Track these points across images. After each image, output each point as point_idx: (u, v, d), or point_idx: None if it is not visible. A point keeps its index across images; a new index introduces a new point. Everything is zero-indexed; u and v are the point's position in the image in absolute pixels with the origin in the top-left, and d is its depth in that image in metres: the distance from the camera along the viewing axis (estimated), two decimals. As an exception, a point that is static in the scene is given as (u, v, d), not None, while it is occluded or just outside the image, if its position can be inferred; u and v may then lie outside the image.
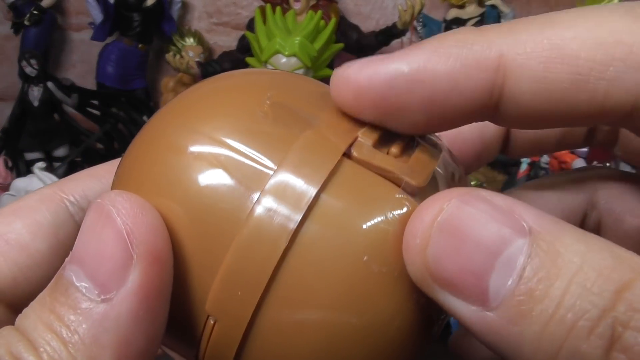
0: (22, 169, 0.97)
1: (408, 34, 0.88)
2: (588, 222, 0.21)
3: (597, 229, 0.21)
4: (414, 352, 0.16)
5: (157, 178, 0.15)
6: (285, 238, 0.13)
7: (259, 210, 0.14)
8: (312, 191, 0.14)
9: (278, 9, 0.85)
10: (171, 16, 1.05)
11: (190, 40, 1.05)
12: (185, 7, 1.09)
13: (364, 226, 0.14)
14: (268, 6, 0.85)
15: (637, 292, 0.11)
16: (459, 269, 0.12)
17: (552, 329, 0.12)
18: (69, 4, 1.11)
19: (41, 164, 0.74)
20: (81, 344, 0.13)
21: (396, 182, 0.15)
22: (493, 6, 0.95)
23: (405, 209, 0.14)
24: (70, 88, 0.98)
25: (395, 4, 1.03)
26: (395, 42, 0.90)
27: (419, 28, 0.90)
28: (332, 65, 0.92)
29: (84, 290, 0.13)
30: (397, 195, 0.14)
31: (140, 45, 1.04)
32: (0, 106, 1.15)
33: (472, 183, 0.79)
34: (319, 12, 0.85)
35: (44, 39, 1.06)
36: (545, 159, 0.73)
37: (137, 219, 0.14)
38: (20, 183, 0.72)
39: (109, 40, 1.05)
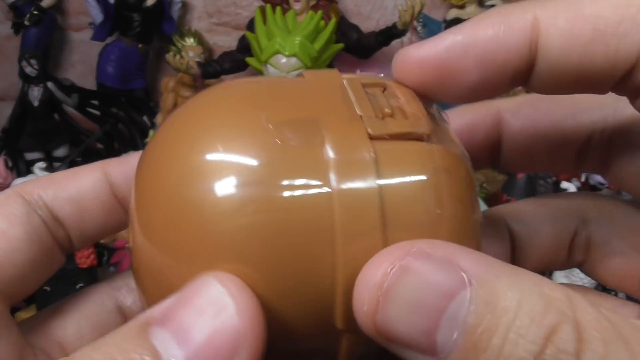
0: (22, 169, 0.97)
1: (408, 34, 0.88)
2: (578, 240, 0.22)
3: (587, 246, 0.22)
4: None
5: (223, 245, 0.14)
6: (379, 234, 0.15)
7: (340, 230, 0.15)
8: (374, 189, 0.15)
9: (278, 9, 0.85)
10: (171, 16, 1.05)
11: (190, 40, 1.05)
12: (185, 7, 1.09)
13: (422, 187, 0.16)
14: (268, 6, 0.85)
15: (563, 335, 0.12)
16: (407, 331, 0.13)
17: None
18: (69, 4, 1.11)
19: (41, 164, 0.74)
20: None
21: (415, 138, 0.16)
22: (493, 6, 0.95)
23: (436, 156, 0.16)
24: (70, 88, 0.98)
25: (395, 4, 1.03)
26: (396, 42, 0.90)
27: (419, 28, 0.90)
28: (332, 66, 0.92)
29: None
30: (425, 149, 0.16)
31: (140, 45, 1.04)
32: (0, 106, 1.15)
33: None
34: (319, 12, 0.85)
35: (44, 39, 1.06)
36: (545, 159, 0.73)
37: (254, 325, 0.13)
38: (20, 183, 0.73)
39: (109, 40, 1.05)
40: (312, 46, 0.82)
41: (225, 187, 0.15)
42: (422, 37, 0.92)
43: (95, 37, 1.03)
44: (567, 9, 0.16)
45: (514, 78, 0.17)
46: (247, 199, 0.14)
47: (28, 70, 0.94)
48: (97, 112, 1.03)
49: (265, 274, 0.14)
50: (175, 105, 1.03)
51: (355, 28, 0.93)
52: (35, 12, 1.03)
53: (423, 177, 0.16)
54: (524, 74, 0.17)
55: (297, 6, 0.91)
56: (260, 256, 0.14)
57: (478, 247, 0.16)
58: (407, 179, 0.15)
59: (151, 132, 0.85)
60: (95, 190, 0.20)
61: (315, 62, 0.83)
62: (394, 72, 0.18)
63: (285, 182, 0.15)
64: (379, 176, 0.15)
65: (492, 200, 0.76)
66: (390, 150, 0.16)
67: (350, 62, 0.99)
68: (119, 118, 1.02)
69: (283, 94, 0.17)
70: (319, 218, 0.14)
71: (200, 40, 1.06)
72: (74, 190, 0.20)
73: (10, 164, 0.86)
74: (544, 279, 0.14)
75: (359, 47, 0.92)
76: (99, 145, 1.02)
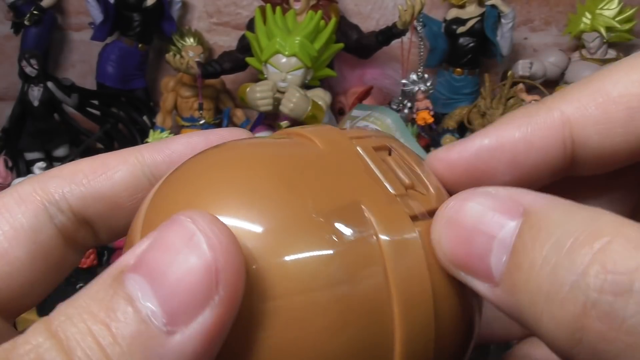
0: (22, 169, 0.97)
1: (408, 34, 0.88)
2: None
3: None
4: None
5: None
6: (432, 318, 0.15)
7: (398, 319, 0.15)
8: (425, 274, 0.15)
9: (278, 8, 0.85)
10: (171, 16, 1.05)
11: (190, 40, 1.05)
12: (185, 7, 1.09)
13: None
14: (268, 6, 0.85)
15: (611, 254, 0.12)
16: (466, 254, 0.15)
17: (534, 298, 0.13)
18: (69, 4, 1.12)
19: (41, 164, 0.74)
20: None
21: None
22: (493, 6, 0.95)
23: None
24: (70, 88, 0.98)
25: (395, 4, 1.03)
26: (396, 42, 0.90)
27: (419, 28, 0.90)
28: (332, 65, 0.92)
29: (148, 313, 0.12)
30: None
31: (140, 45, 1.04)
32: (0, 106, 1.15)
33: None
34: (319, 12, 0.85)
35: (44, 39, 1.06)
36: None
37: (229, 257, 0.13)
38: (20, 183, 0.72)
39: (109, 40, 1.05)
40: (312, 46, 0.82)
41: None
42: (422, 37, 0.92)
43: (95, 37, 1.03)
44: (593, 97, 0.16)
45: (553, 172, 0.18)
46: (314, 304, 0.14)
47: (28, 70, 0.94)
48: (97, 112, 1.03)
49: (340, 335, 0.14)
50: (175, 105, 1.03)
51: (355, 28, 0.93)
52: (35, 12, 1.03)
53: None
54: (563, 167, 0.17)
55: (297, 6, 0.91)
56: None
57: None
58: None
59: (151, 132, 0.85)
60: (129, 185, 0.18)
61: (315, 62, 0.83)
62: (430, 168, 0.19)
63: (347, 280, 0.14)
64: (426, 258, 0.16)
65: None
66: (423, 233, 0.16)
67: (351, 62, 0.99)
68: (119, 118, 1.02)
69: (309, 170, 0.16)
70: (379, 314, 0.14)
71: (200, 40, 1.06)
72: (106, 186, 0.18)
73: (10, 163, 0.86)
74: (599, 209, 0.13)
75: (359, 47, 0.92)
76: (99, 145, 1.02)
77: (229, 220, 0.14)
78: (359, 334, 0.14)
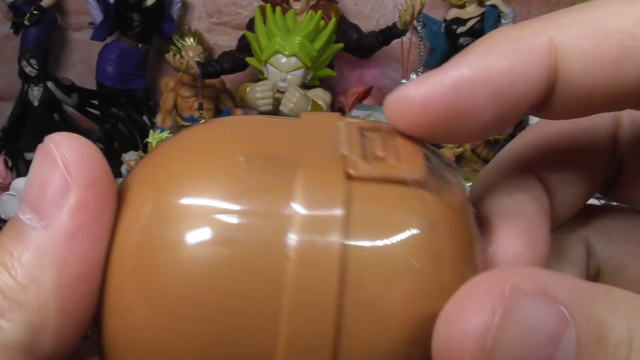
0: (22, 169, 0.97)
1: (408, 34, 0.88)
2: (589, 273, 0.19)
3: (597, 278, 0.19)
4: None
5: (166, 285, 0.13)
6: (334, 287, 0.13)
7: (291, 269, 0.13)
8: (337, 236, 0.13)
9: (278, 8, 0.85)
10: (171, 16, 1.05)
11: (190, 40, 1.05)
12: (185, 7, 1.09)
13: (400, 237, 0.14)
14: (268, 6, 0.85)
15: None
16: None
17: None
18: (69, 3, 1.11)
19: (41, 164, 0.73)
20: (23, 267, 0.14)
21: (401, 182, 0.14)
22: (493, 6, 0.95)
23: (423, 204, 0.14)
24: (70, 88, 0.98)
25: (395, 4, 1.03)
26: (396, 42, 0.90)
27: (419, 28, 0.90)
28: (332, 65, 0.92)
29: (27, 222, 0.14)
30: (412, 196, 0.14)
31: (140, 45, 1.04)
32: (0, 106, 1.15)
33: (471, 183, 0.79)
34: (319, 12, 0.85)
35: (44, 39, 1.06)
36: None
37: (73, 149, 0.15)
38: (20, 183, 0.72)
39: (109, 40, 1.05)
40: (312, 46, 0.82)
41: (182, 220, 0.14)
42: (422, 37, 0.92)
43: (95, 37, 1.03)
44: (585, 26, 0.14)
45: (529, 109, 0.15)
46: (202, 239, 0.13)
47: (28, 70, 0.94)
48: (97, 112, 1.03)
49: (204, 321, 0.13)
50: (175, 105, 1.03)
51: (355, 28, 0.93)
52: (35, 12, 1.03)
53: (404, 228, 0.14)
54: (540, 104, 0.15)
55: (297, 6, 0.91)
56: (207, 295, 0.13)
57: None
58: (382, 229, 0.14)
59: (151, 132, 0.85)
60: None
61: (315, 62, 0.83)
62: (387, 117, 0.15)
63: (244, 217, 0.13)
64: (348, 226, 0.13)
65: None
66: (369, 194, 0.14)
67: (351, 62, 0.99)
68: (118, 118, 1.02)
69: (269, 130, 0.16)
70: (270, 276, 0.13)
71: (200, 40, 1.06)
72: None
73: (10, 163, 0.86)
74: (636, 295, 0.12)
75: (359, 47, 0.92)
76: (99, 145, 1.02)
77: (153, 164, 0.15)
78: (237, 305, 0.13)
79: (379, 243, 0.13)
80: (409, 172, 0.14)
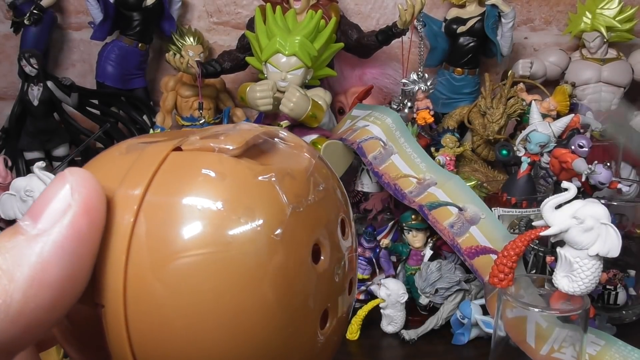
0: (22, 168, 0.97)
1: (408, 34, 0.88)
2: None
3: None
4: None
5: None
6: (127, 228, 0.17)
7: (113, 216, 0.18)
8: (139, 190, 0.18)
9: (278, 8, 0.85)
10: (171, 15, 1.05)
11: (190, 40, 1.05)
12: (185, 7, 1.09)
13: (187, 188, 0.18)
14: (268, 5, 0.85)
15: None
16: None
17: None
18: (69, 3, 1.11)
19: (41, 164, 0.73)
20: (6, 257, 0.15)
21: (210, 149, 0.19)
22: (493, 5, 0.95)
23: (218, 162, 0.18)
24: (70, 87, 0.97)
25: (395, 3, 1.03)
26: (396, 42, 0.90)
27: (419, 27, 0.90)
28: (332, 65, 0.92)
29: (24, 227, 0.16)
30: (210, 158, 0.18)
31: (140, 45, 1.04)
32: (0, 105, 1.15)
33: (471, 183, 0.79)
34: (319, 12, 0.85)
35: (43, 38, 1.06)
36: (546, 158, 0.72)
37: (83, 180, 0.17)
38: (20, 182, 0.72)
39: (108, 39, 1.05)
40: (312, 45, 0.82)
41: None
42: (422, 37, 0.92)
43: (95, 37, 1.03)
44: None
45: None
46: None
47: (28, 69, 0.94)
48: (96, 112, 1.03)
49: None
50: (175, 105, 1.03)
51: (355, 27, 0.93)
52: (35, 11, 1.03)
53: (193, 178, 0.18)
54: None
55: (297, 5, 0.91)
56: None
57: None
58: (176, 180, 0.18)
59: (151, 131, 0.85)
60: None
61: (315, 62, 0.83)
62: None
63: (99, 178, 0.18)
64: (151, 184, 0.18)
65: (492, 200, 0.75)
66: (182, 158, 0.19)
67: (351, 62, 0.99)
68: (118, 117, 1.02)
69: (168, 133, 0.21)
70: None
71: (200, 39, 1.06)
72: None
73: (10, 163, 0.85)
74: None
75: (359, 47, 0.92)
76: (99, 145, 1.01)
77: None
78: None
79: (170, 190, 0.18)
80: (222, 144, 0.19)
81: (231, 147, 0.19)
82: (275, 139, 0.21)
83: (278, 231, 0.18)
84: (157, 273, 0.17)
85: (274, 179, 0.19)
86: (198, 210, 0.17)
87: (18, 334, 0.15)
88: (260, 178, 0.18)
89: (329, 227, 0.21)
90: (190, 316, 0.17)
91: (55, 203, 0.16)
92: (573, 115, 0.75)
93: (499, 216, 0.72)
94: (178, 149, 0.19)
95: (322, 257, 0.20)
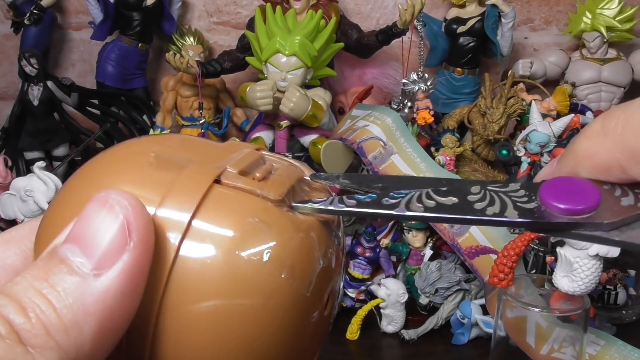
0: (22, 168, 0.97)
1: (408, 34, 0.88)
2: None
3: None
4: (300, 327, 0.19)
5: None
6: (170, 254, 0.17)
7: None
8: (187, 215, 0.17)
9: (278, 8, 0.85)
10: (171, 15, 1.05)
11: (190, 40, 1.05)
12: (185, 6, 1.09)
13: (235, 229, 0.17)
14: (268, 5, 0.85)
15: None
16: None
17: None
18: (69, 3, 1.11)
19: (41, 164, 0.73)
20: (68, 309, 0.14)
21: (255, 194, 0.18)
22: (493, 5, 0.94)
23: (264, 211, 0.18)
24: (70, 87, 0.97)
25: (395, 3, 1.03)
26: (396, 42, 0.90)
27: (419, 27, 0.89)
28: (332, 65, 0.92)
29: (78, 264, 0.15)
30: (257, 204, 0.18)
31: (140, 45, 1.04)
32: (0, 105, 1.15)
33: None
34: (319, 12, 0.84)
35: (43, 38, 1.06)
36: (546, 158, 0.72)
37: (135, 212, 0.16)
38: (20, 182, 0.72)
39: (109, 39, 1.05)
40: (312, 45, 0.82)
41: (100, 189, 0.18)
42: (422, 36, 0.92)
43: (95, 36, 1.03)
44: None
45: None
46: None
47: (28, 69, 0.94)
48: (97, 112, 1.03)
49: None
50: (175, 105, 1.03)
51: (355, 27, 0.93)
52: (35, 11, 1.03)
53: (239, 222, 0.17)
54: None
55: (297, 5, 0.91)
56: None
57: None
58: (222, 219, 0.17)
59: (151, 132, 0.85)
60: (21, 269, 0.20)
61: (315, 62, 0.83)
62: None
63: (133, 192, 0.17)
64: (196, 214, 0.17)
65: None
66: (225, 196, 0.18)
67: (351, 62, 0.99)
68: (118, 117, 1.02)
69: (187, 143, 0.21)
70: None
71: (200, 39, 1.06)
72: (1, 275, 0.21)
73: (10, 163, 0.85)
74: None
75: (359, 46, 0.92)
76: (99, 145, 1.01)
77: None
78: None
79: (217, 225, 0.17)
80: (265, 190, 0.18)
81: (274, 198, 0.18)
82: (304, 185, 0.21)
83: (311, 288, 0.18)
84: (193, 310, 0.17)
85: (312, 234, 0.19)
86: (244, 257, 0.17)
87: None
88: (300, 234, 0.18)
89: (340, 274, 0.21)
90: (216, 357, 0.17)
91: (111, 242, 0.15)
92: (573, 115, 0.75)
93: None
94: (218, 180, 0.18)
95: (328, 304, 0.20)
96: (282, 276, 0.17)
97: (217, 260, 0.17)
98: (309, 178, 0.22)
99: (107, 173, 0.19)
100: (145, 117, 1.03)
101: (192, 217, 0.17)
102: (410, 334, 0.66)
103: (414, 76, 0.83)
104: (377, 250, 0.74)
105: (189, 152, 0.20)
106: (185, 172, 0.18)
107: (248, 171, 0.19)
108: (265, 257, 0.17)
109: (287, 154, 0.82)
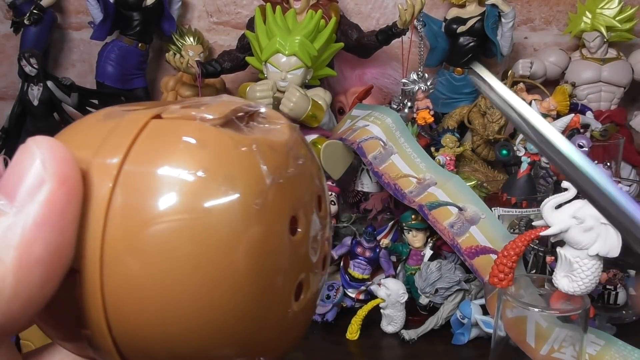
0: (22, 168, 0.97)
1: (408, 34, 0.88)
2: None
3: None
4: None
5: None
6: (105, 189, 0.17)
7: (90, 184, 0.18)
8: (121, 150, 0.18)
9: (278, 8, 0.85)
10: (171, 15, 1.05)
11: (190, 40, 1.05)
12: (185, 6, 1.09)
13: (168, 152, 0.18)
14: (268, 5, 0.85)
15: None
16: None
17: None
18: (69, 3, 1.11)
19: (41, 164, 0.73)
20: None
21: (192, 118, 0.18)
22: (493, 5, 0.94)
23: (199, 130, 0.18)
24: (70, 87, 0.97)
25: (395, 3, 1.03)
26: (396, 42, 0.90)
27: (419, 27, 0.90)
28: (332, 65, 0.92)
29: (1, 206, 0.16)
30: (192, 126, 0.18)
31: (140, 45, 1.04)
32: (0, 105, 1.15)
33: (471, 183, 0.79)
34: (319, 12, 0.85)
35: (43, 38, 1.06)
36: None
37: (52, 150, 0.17)
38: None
39: (108, 39, 1.05)
40: (312, 45, 0.82)
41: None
42: (422, 36, 0.92)
43: (95, 36, 1.03)
44: None
45: None
46: None
47: (28, 69, 0.94)
48: (96, 112, 1.03)
49: None
50: (175, 105, 1.03)
51: (355, 27, 0.93)
52: (35, 11, 1.03)
53: (172, 146, 0.18)
54: None
55: (297, 5, 0.91)
56: None
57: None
58: (157, 149, 0.18)
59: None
60: None
61: (315, 62, 0.83)
62: None
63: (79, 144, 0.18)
64: (131, 148, 0.18)
65: (492, 200, 0.76)
66: (162, 126, 0.18)
67: (351, 62, 0.99)
68: (118, 117, 1.02)
69: (152, 103, 0.21)
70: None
71: (200, 39, 1.06)
72: None
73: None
74: None
75: (359, 47, 0.92)
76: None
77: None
78: None
79: (149, 158, 0.18)
80: (203, 113, 0.19)
81: (213, 117, 0.19)
82: (256, 112, 0.21)
83: (257, 201, 0.18)
84: (133, 240, 0.17)
85: (255, 149, 0.19)
86: (177, 178, 0.17)
87: (14, 317, 0.15)
88: (241, 148, 0.18)
89: (306, 200, 0.21)
90: (165, 283, 0.17)
91: (29, 179, 0.16)
92: (573, 115, 0.75)
93: (499, 216, 0.72)
94: (158, 117, 0.19)
95: (298, 230, 0.20)
96: (221, 188, 0.17)
97: (151, 188, 0.17)
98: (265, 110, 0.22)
99: (64, 135, 0.20)
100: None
101: (125, 157, 0.18)
102: (410, 334, 0.66)
103: (414, 76, 0.83)
104: (377, 250, 0.74)
105: (147, 105, 0.20)
106: (126, 116, 0.19)
107: (196, 105, 0.19)
108: (200, 174, 0.17)
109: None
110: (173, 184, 0.17)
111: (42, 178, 0.16)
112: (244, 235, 0.17)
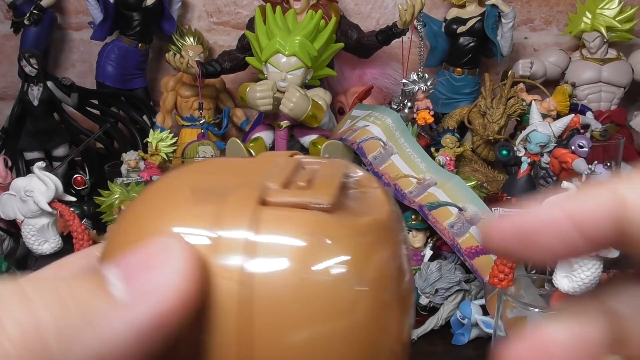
0: (22, 168, 0.97)
1: (408, 34, 0.88)
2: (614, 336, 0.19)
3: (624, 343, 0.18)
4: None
5: None
6: (236, 299, 0.16)
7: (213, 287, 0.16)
8: (241, 253, 0.16)
9: (278, 8, 0.85)
10: (171, 15, 1.05)
11: (190, 40, 1.05)
12: (185, 7, 1.09)
13: (289, 252, 0.16)
14: (268, 5, 0.85)
15: None
16: None
17: None
18: (69, 3, 1.11)
19: (41, 164, 0.73)
20: (92, 334, 0.13)
21: (304, 207, 0.17)
22: (493, 5, 0.95)
23: (321, 224, 0.17)
24: (70, 87, 0.97)
25: (395, 3, 1.03)
26: (396, 42, 0.90)
27: (419, 27, 0.90)
28: (332, 65, 0.92)
29: (113, 289, 0.14)
30: (310, 219, 0.17)
31: (140, 45, 1.04)
32: (0, 105, 1.15)
33: (471, 183, 0.79)
34: (319, 12, 0.85)
35: (43, 38, 1.06)
36: (546, 158, 0.72)
37: (188, 262, 0.15)
38: (20, 183, 0.72)
39: (108, 39, 1.05)
40: (312, 45, 0.82)
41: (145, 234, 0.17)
42: (422, 37, 0.92)
43: (95, 37, 1.03)
44: None
45: (601, 247, 0.18)
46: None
47: (28, 69, 0.94)
48: (96, 112, 1.03)
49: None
50: (175, 105, 1.03)
51: (355, 27, 0.93)
52: (35, 11, 1.03)
53: (298, 243, 0.16)
54: (618, 243, 0.17)
55: (297, 5, 0.91)
56: None
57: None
58: (281, 242, 0.16)
59: (151, 132, 0.84)
60: None
61: (315, 62, 0.83)
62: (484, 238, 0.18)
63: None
64: (253, 246, 0.16)
65: (492, 200, 0.76)
66: (276, 217, 0.17)
67: (351, 62, 0.99)
68: (118, 117, 1.02)
69: (219, 167, 0.20)
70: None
71: (200, 39, 1.06)
72: None
73: (9, 163, 0.85)
74: None
75: (359, 47, 0.92)
76: (99, 145, 1.01)
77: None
78: None
79: (275, 260, 0.16)
80: (314, 199, 0.17)
81: (325, 204, 0.17)
82: (349, 177, 0.20)
83: (390, 293, 0.17)
84: (277, 347, 0.16)
85: (376, 236, 0.18)
86: (314, 280, 0.16)
87: None
88: (366, 238, 0.17)
89: (411, 272, 0.20)
90: None
91: (157, 274, 0.14)
92: (573, 115, 0.75)
93: (499, 216, 0.72)
94: (263, 202, 0.17)
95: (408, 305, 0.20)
96: (357, 288, 0.16)
97: (286, 290, 0.16)
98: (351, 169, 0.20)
99: (151, 215, 0.17)
100: (145, 117, 1.03)
101: (248, 257, 0.16)
102: (410, 334, 0.67)
103: (414, 76, 0.83)
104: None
105: (222, 176, 0.19)
106: (228, 200, 0.17)
107: (290, 181, 0.18)
108: (336, 273, 0.16)
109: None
110: (315, 287, 0.16)
111: (172, 279, 0.14)
112: (381, 332, 0.17)
